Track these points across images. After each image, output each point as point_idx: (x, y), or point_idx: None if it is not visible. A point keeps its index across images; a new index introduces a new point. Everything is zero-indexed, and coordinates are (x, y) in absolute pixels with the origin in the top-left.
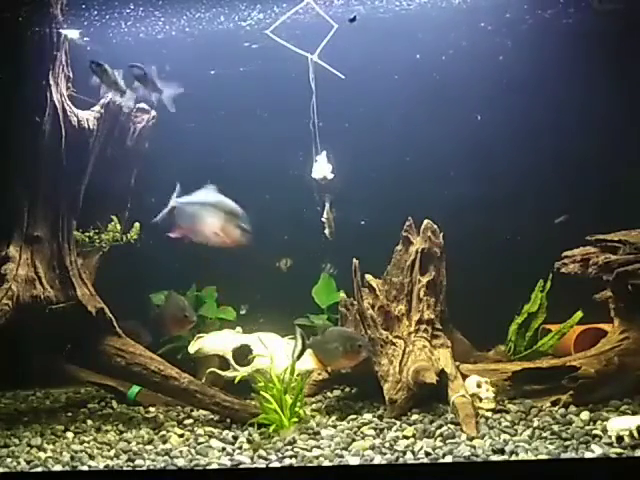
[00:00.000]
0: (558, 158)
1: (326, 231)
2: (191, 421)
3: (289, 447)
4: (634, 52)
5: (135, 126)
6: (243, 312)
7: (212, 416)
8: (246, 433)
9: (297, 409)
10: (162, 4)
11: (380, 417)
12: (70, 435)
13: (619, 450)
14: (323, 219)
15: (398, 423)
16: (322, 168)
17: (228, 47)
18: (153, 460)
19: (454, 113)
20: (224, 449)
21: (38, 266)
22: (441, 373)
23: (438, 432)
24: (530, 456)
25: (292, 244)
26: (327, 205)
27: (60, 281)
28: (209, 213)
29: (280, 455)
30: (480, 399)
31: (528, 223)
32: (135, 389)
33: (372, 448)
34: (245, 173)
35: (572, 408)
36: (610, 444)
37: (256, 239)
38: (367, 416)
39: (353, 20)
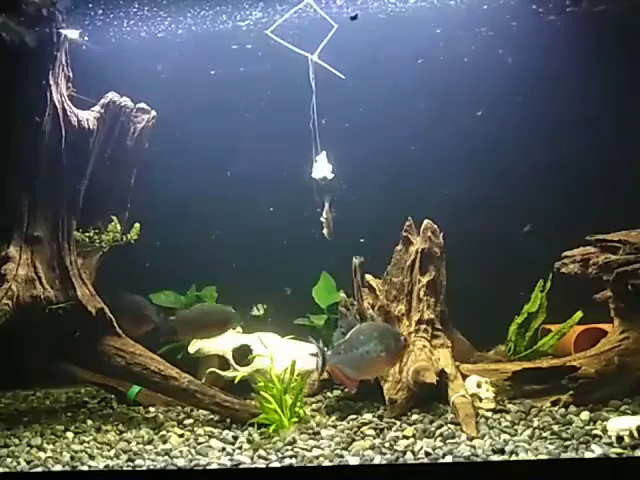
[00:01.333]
0: (558, 158)
1: (324, 231)
2: (191, 421)
3: (289, 447)
4: (634, 52)
5: (135, 126)
6: (258, 313)
7: (212, 416)
8: (246, 433)
9: (297, 409)
10: (166, 3)
11: (380, 417)
12: (70, 435)
13: (619, 450)
14: (322, 219)
15: (398, 423)
16: (322, 168)
17: (226, 47)
18: (153, 460)
19: (454, 113)
20: (224, 449)
21: (38, 266)
22: (441, 373)
23: (438, 432)
24: (530, 456)
25: (292, 244)
26: (327, 205)
27: (60, 281)
28: (374, 356)
29: (280, 455)
30: (480, 399)
31: (528, 223)
32: (135, 389)
33: (372, 448)
34: (245, 173)
35: (572, 408)
36: (610, 444)
37: (256, 239)
38: (367, 416)
39: (355, 18)
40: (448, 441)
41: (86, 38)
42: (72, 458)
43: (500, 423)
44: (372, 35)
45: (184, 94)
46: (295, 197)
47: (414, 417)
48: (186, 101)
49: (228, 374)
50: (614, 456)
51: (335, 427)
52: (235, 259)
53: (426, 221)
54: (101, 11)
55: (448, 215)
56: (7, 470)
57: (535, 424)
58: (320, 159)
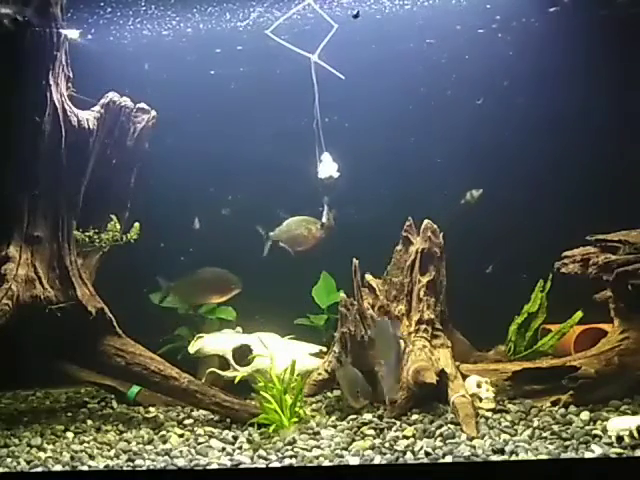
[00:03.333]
0: (559, 158)
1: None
2: (191, 421)
3: (289, 447)
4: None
5: (135, 126)
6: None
7: (212, 416)
8: (246, 433)
9: (297, 409)
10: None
11: (380, 417)
12: (70, 435)
13: (619, 450)
14: (323, 220)
15: (398, 423)
16: (328, 167)
17: (224, 47)
18: (153, 460)
19: (455, 112)
20: (224, 449)
21: (38, 266)
22: (441, 373)
23: (438, 432)
24: (530, 456)
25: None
26: (326, 207)
27: (60, 281)
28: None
29: (280, 455)
30: (480, 399)
31: (528, 223)
32: (135, 389)
33: (372, 448)
34: (245, 173)
35: (572, 408)
36: (610, 444)
37: (256, 239)
38: (367, 416)
39: (357, 16)
40: (448, 441)
41: (90, 36)
42: (72, 458)
43: (500, 423)
44: (372, 34)
45: (184, 94)
46: (295, 197)
47: (414, 417)
48: (186, 101)
49: (228, 374)
50: (614, 456)
51: (335, 427)
52: (235, 259)
53: (426, 221)
54: (110, 9)
55: (448, 215)
56: (7, 470)
57: (535, 424)
58: (325, 158)
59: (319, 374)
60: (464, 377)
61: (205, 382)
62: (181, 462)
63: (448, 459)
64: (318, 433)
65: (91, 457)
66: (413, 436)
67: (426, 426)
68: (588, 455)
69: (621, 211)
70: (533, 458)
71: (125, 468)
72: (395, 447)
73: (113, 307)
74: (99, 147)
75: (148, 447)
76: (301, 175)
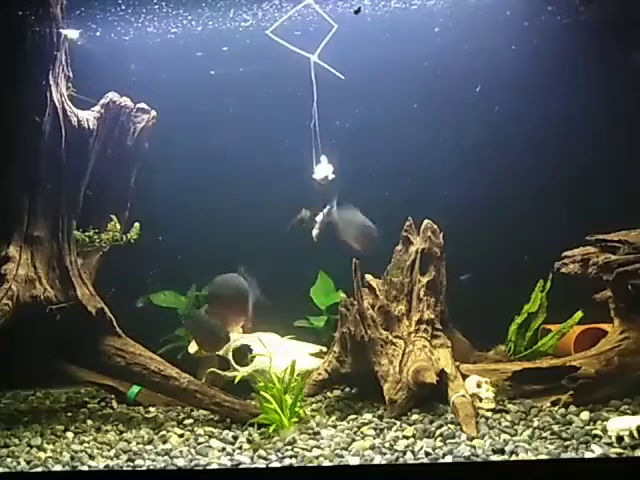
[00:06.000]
0: (558, 158)
1: (314, 231)
2: (191, 421)
3: (289, 447)
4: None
5: (135, 126)
6: None
7: (212, 416)
8: (246, 433)
9: (297, 409)
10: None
11: (380, 417)
12: (70, 435)
13: (619, 450)
14: (317, 219)
15: (398, 423)
16: (324, 168)
17: (224, 47)
18: (153, 460)
19: (455, 113)
20: (224, 449)
21: (38, 266)
22: (441, 373)
23: (438, 432)
24: (530, 456)
25: (291, 244)
26: (327, 208)
27: (60, 281)
28: None
29: (280, 455)
30: (480, 399)
31: (528, 223)
32: (135, 389)
33: (372, 448)
34: (245, 173)
35: (572, 408)
36: (610, 444)
37: (256, 239)
38: (367, 416)
39: (358, 12)
40: (448, 441)
41: (97, 34)
42: (72, 458)
43: (500, 423)
44: (373, 34)
45: (185, 94)
46: (295, 197)
47: (414, 417)
48: (187, 101)
49: (228, 374)
50: (614, 456)
51: (335, 427)
52: (236, 259)
53: (426, 221)
54: (123, 7)
55: (448, 215)
56: (7, 470)
57: (535, 424)
58: (323, 159)
59: (319, 374)
60: (464, 377)
61: (205, 382)
62: (181, 462)
63: (448, 459)
64: (318, 433)
65: (91, 457)
66: (413, 436)
67: (426, 426)
68: (588, 455)
69: (621, 211)
70: (533, 458)
71: (125, 468)
72: (395, 447)
73: (113, 307)
74: (99, 147)
75: (148, 447)
76: (301, 175)
